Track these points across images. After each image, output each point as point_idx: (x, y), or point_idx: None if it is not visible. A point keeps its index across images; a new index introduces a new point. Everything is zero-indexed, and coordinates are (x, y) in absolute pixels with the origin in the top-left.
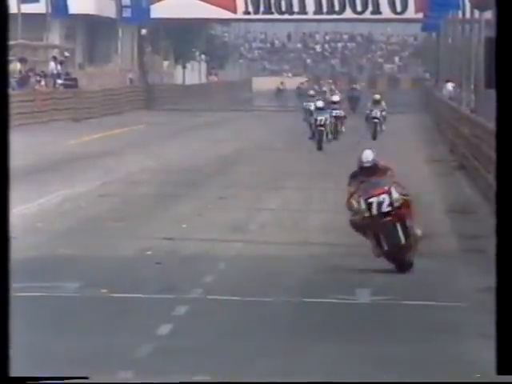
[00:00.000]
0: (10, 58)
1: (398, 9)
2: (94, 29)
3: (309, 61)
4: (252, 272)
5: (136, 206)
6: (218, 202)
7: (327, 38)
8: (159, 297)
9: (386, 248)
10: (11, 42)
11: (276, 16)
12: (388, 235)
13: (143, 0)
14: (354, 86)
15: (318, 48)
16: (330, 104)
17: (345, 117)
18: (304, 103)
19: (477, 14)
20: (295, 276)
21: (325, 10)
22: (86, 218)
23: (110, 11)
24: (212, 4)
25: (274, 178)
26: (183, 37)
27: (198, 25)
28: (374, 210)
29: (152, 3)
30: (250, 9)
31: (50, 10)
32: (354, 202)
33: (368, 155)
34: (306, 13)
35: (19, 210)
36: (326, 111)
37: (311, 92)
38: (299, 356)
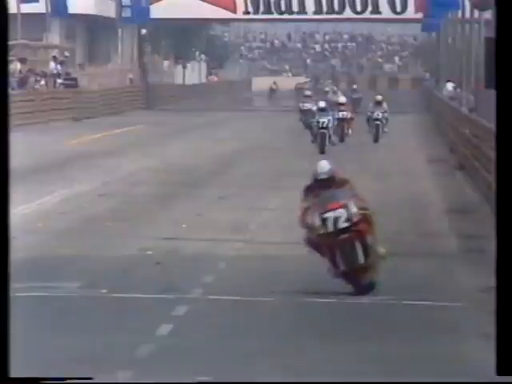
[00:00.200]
0: (10, 58)
1: (398, 9)
2: (94, 29)
3: (309, 61)
4: (252, 272)
5: (136, 206)
6: (218, 201)
7: (327, 37)
8: (159, 297)
9: (343, 268)
10: (11, 42)
11: (276, 16)
12: (345, 254)
13: (143, 0)
14: (354, 86)
15: (318, 48)
16: (337, 105)
17: (352, 118)
18: (300, 104)
19: (477, 14)
20: (295, 276)
21: (324, 9)
22: (86, 217)
23: (110, 11)
24: (212, 4)
25: (274, 178)
26: (183, 37)
27: (198, 25)
28: (330, 227)
29: (152, 3)
30: (250, 9)
31: (49, 10)
32: (309, 218)
33: (324, 166)
34: (305, 13)
35: (19, 210)
36: (329, 113)
37: (307, 92)
38: (299, 356)
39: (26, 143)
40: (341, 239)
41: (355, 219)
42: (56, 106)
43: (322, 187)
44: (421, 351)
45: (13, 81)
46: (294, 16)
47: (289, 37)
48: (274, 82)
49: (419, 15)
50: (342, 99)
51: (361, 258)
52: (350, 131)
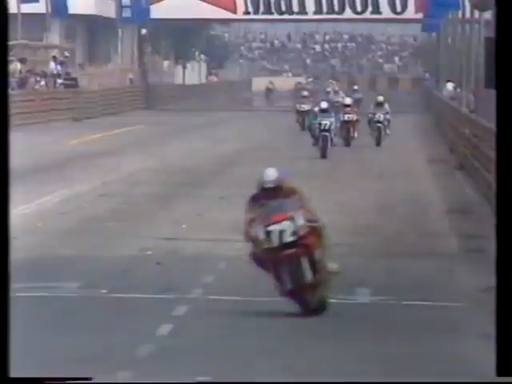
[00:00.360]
0: (10, 58)
1: (398, 9)
2: (94, 29)
3: (309, 61)
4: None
5: (136, 206)
6: (218, 201)
7: (327, 37)
8: (159, 297)
9: (289, 286)
10: (11, 42)
11: (276, 16)
12: (291, 271)
13: (143, 0)
14: (355, 86)
15: (318, 48)
16: (342, 107)
17: (357, 120)
18: (297, 104)
19: (477, 14)
20: None
21: (325, 10)
22: (85, 218)
23: (110, 11)
24: (212, 4)
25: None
26: (183, 37)
27: (198, 25)
28: (275, 241)
29: (152, 3)
30: (250, 9)
31: (49, 10)
32: (253, 231)
33: (270, 174)
34: (305, 13)
35: (19, 210)
36: (331, 114)
37: (305, 93)
38: (299, 356)
39: (25, 143)
40: (286, 254)
41: (302, 232)
42: (56, 106)
43: (268, 197)
44: (421, 351)
45: (13, 81)
46: (294, 16)
47: (289, 37)
48: (271, 82)
49: (419, 15)
50: (348, 100)
51: (308, 275)
52: (356, 134)
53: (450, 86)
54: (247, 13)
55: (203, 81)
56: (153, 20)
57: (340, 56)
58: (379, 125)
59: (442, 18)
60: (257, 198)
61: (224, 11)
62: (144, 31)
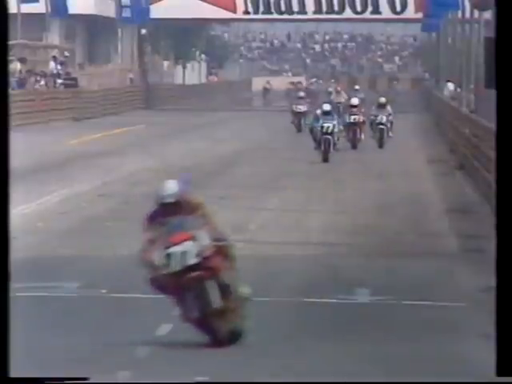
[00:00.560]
0: (10, 58)
1: (398, 9)
2: (94, 29)
3: (308, 61)
4: (252, 272)
5: (136, 206)
6: (218, 201)
7: (327, 37)
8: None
9: (195, 314)
10: (11, 42)
11: (275, 16)
12: (196, 297)
13: (143, 0)
14: (356, 87)
15: (318, 48)
16: (348, 108)
17: (364, 122)
18: (293, 105)
19: (477, 13)
20: (295, 276)
21: (324, 9)
22: (86, 217)
23: (110, 11)
24: (212, 4)
25: (274, 178)
26: (183, 37)
27: (198, 25)
28: (176, 264)
29: (152, 3)
30: (250, 9)
31: (49, 10)
32: (151, 254)
33: (170, 187)
34: (305, 13)
35: (19, 210)
36: (334, 117)
37: (301, 94)
38: (299, 356)
39: (26, 143)
40: (189, 278)
41: (207, 253)
42: (56, 105)
43: (167, 214)
44: (421, 351)
45: (13, 81)
46: (294, 16)
47: (288, 37)
48: (268, 82)
49: (419, 15)
50: (355, 101)
51: (216, 301)
52: (362, 136)
53: (450, 85)
54: (247, 12)
55: (203, 81)
56: (153, 20)
57: (340, 56)
58: (381, 127)
59: (442, 17)
60: (155, 216)
61: (224, 11)
62: (144, 31)
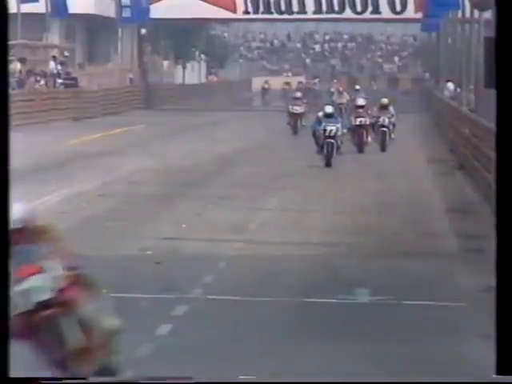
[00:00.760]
0: (10, 58)
1: (398, 8)
2: (94, 29)
3: (308, 61)
4: (252, 272)
5: (136, 206)
6: (218, 201)
7: (327, 37)
8: (159, 297)
9: (55, 355)
10: (11, 42)
11: (275, 16)
12: (51, 337)
13: (143, 0)
14: (357, 87)
15: (318, 48)
16: (354, 109)
17: (371, 124)
18: (289, 106)
19: (477, 13)
20: (295, 276)
21: (324, 9)
22: (86, 217)
23: (110, 11)
24: (212, 4)
25: (274, 178)
26: (183, 37)
27: (197, 25)
28: (26, 303)
29: (152, 3)
30: (250, 9)
31: (49, 10)
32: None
33: (16, 211)
34: (305, 12)
35: None
36: (337, 120)
37: (297, 94)
38: (299, 356)
39: (26, 143)
40: (41, 318)
41: (61, 285)
42: (56, 105)
43: (14, 242)
44: (421, 351)
45: (13, 81)
46: (294, 16)
47: (288, 37)
48: (266, 82)
49: (419, 15)
50: (361, 101)
51: (75, 339)
52: (369, 139)
53: (450, 85)
54: (247, 12)
55: (203, 81)
56: (152, 20)
57: (340, 56)
58: (384, 129)
59: (442, 17)
60: None
61: (224, 11)
62: (144, 31)
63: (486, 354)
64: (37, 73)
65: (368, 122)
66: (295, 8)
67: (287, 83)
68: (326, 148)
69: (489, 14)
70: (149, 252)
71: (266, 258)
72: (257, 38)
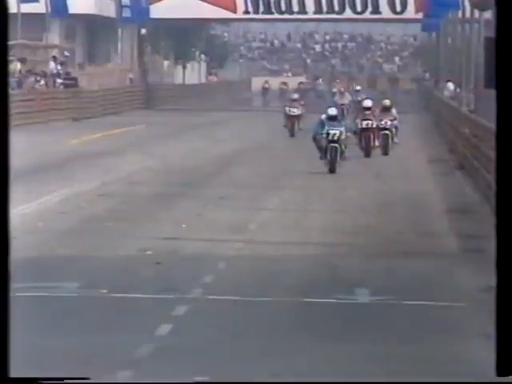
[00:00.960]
0: (10, 58)
1: (398, 9)
2: (94, 29)
3: (309, 61)
4: (252, 272)
5: (136, 206)
6: (218, 201)
7: (327, 37)
8: (159, 297)
9: None
10: (11, 42)
11: (276, 16)
12: None
13: (143, 0)
14: (357, 87)
15: (318, 48)
16: (361, 111)
17: (378, 127)
18: (286, 108)
19: (477, 13)
20: (295, 276)
21: (324, 9)
22: (86, 217)
23: (110, 11)
24: (212, 4)
25: (274, 178)
26: (183, 37)
27: (197, 25)
28: None
29: (152, 3)
30: (250, 9)
31: (49, 10)
32: None
33: None
34: (305, 12)
35: (19, 210)
36: (341, 123)
37: (295, 96)
38: (299, 356)
39: (25, 143)
40: None
41: None
42: (56, 105)
43: None
44: (421, 351)
45: (13, 81)
46: (294, 16)
47: (289, 37)
48: (266, 82)
49: (419, 15)
50: (368, 103)
51: None
52: (376, 143)
53: (450, 85)
54: (247, 12)
55: (203, 81)
56: (152, 20)
57: (340, 56)
58: (386, 132)
59: (442, 17)
60: None
61: (224, 11)
62: (144, 31)
63: (486, 354)
64: (37, 73)
65: (375, 125)
66: (295, 8)
67: (284, 83)
68: (330, 153)
69: (489, 14)
70: (149, 252)
71: (266, 258)
72: (257, 38)
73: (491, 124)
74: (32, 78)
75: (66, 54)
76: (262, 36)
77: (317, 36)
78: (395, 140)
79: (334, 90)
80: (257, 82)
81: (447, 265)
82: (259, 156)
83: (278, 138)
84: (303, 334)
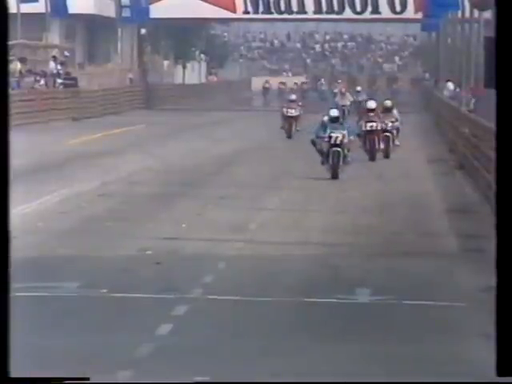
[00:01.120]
0: (10, 57)
1: (398, 9)
2: (94, 29)
3: (308, 60)
4: (252, 272)
5: (136, 206)
6: (218, 201)
7: (327, 37)
8: (159, 297)
9: None
10: (11, 42)
11: (275, 16)
12: None
13: (143, 0)
14: (358, 88)
15: (318, 48)
16: (364, 113)
17: (382, 129)
18: (283, 109)
19: (476, 13)
20: (295, 276)
21: (324, 9)
22: (86, 217)
23: (110, 11)
24: (212, 4)
25: (274, 178)
26: (183, 37)
27: (197, 25)
28: None
29: (151, 3)
30: (250, 8)
31: (49, 10)
32: None
33: None
34: (305, 12)
35: (19, 210)
36: (344, 126)
37: (292, 97)
38: (299, 356)
39: (25, 143)
40: None
41: None
42: (56, 105)
43: None
44: (421, 351)
45: (13, 81)
46: (294, 16)
47: (288, 37)
48: (267, 81)
49: (419, 15)
50: (372, 104)
51: None
52: (381, 145)
53: (450, 85)
54: (247, 12)
55: (203, 80)
56: (152, 19)
57: (340, 56)
58: (387, 134)
59: (442, 17)
60: None
61: (223, 11)
62: (144, 31)
63: (486, 354)
64: (37, 73)
65: (380, 127)
66: (295, 8)
67: (283, 83)
68: (332, 158)
69: (489, 14)
70: (149, 252)
71: (266, 258)
72: (257, 38)
73: (491, 124)
74: (32, 78)
75: (66, 53)
76: (262, 36)
77: (317, 36)
78: (396, 142)
79: (336, 90)
80: (257, 82)
81: (447, 265)
82: (259, 156)
83: (278, 138)
84: (303, 334)
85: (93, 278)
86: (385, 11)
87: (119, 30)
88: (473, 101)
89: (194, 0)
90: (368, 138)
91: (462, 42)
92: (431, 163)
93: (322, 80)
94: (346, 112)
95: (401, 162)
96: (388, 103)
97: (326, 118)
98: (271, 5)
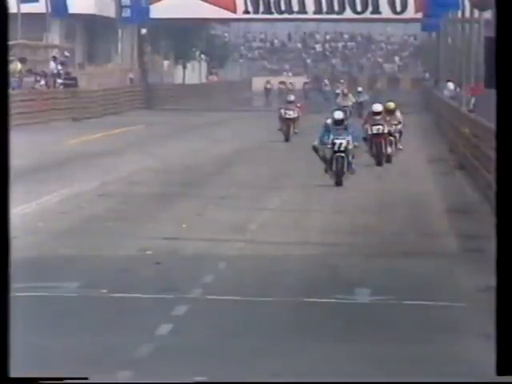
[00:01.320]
0: (10, 57)
1: (398, 9)
2: (94, 29)
3: (309, 60)
4: (252, 272)
5: (136, 206)
6: (218, 201)
7: (327, 37)
8: (159, 297)
9: None
10: (11, 42)
11: (276, 16)
12: None
13: (143, 0)
14: (359, 88)
15: (318, 48)
16: (370, 116)
17: (389, 133)
18: (281, 110)
19: (477, 13)
20: (295, 276)
21: (324, 9)
22: (86, 217)
23: (110, 11)
24: (212, 4)
25: (274, 178)
26: (183, 37)
27: (197, 25)
28: None
29: (152, 3)
30: (250, 8)
31: (49, 10)
32: None
33: None
34: (305, 12)
35: (20, 210)
36: (348, 131)
37: (291, 97)
38: (299, 356)
39: (25, 143)
40: None
41: None
42: (56, 105)
43: None
44: (421, 351)
45: (13, 81)
46: (294, 16)
47: (289, 37)
48: (268, 81)
49: (419, 15)
50: (378, 107)
51: None
52: (388, 150)
53: (450, 85)
54: (247, 12)
55: (203, 81)
56: (152, 20)
57: (340, 56)
58: (390, 138)
59: (442, 17)
60: None
61: (224, 11)
62: (144, 31)
63: (486, 354)
64: (37, 73)
65: (386, 130)
66: (295, 8)
67: (282, 82)
68: (336, 164)
69: (489, 14)
70: (149, 252)
71: (266, 258)
72: (257, 38)
73: (491, 124)
74: (32, 78)
75: (66, 53)
76: (262, 36)
77: (317, 36)
78: (399, 146)
79: (338, 91)
80: (257, 82)
81: (447, 265)
82: (259, 156)
83: (278, 138)
84: (303, 334)
85: (93, 278)
86: (385, 11)
87: (119, 30)
88: (473, 101)
89: (194, 0)
90: (374, 142)
91: (462, 41)
92: (431, 163)
93: (326, 81)
94: (348, 113)
95: (401, 162)
96: (391, 105)
97: (329, 121)
98: (271, 5)
